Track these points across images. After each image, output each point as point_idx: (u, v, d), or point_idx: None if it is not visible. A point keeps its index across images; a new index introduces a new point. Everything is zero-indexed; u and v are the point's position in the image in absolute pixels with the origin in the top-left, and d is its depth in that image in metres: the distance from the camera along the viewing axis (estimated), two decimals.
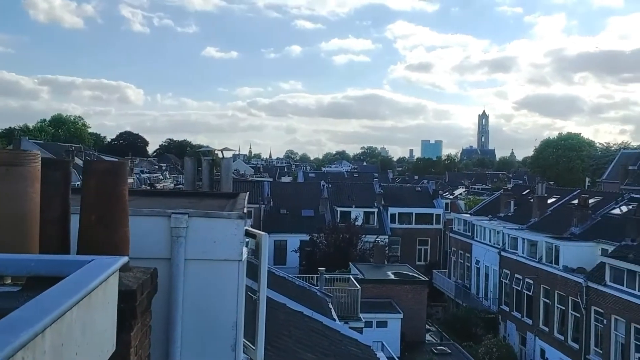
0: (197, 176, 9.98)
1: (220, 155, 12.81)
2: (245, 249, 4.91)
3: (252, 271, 5.61)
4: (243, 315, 5.35)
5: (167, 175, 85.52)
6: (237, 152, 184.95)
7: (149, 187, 53.03)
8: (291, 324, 8.80)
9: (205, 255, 4.55)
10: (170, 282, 4.51)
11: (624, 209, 33.87)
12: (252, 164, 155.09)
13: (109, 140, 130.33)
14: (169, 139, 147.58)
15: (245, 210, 4.85)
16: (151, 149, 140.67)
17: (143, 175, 72.79)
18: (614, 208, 34.99)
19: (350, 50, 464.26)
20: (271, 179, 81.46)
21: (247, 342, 5.98)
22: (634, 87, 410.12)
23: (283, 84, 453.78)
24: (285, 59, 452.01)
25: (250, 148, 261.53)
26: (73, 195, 3.43)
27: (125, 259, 2.68)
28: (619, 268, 27.19)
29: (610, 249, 29.81)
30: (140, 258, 4.08)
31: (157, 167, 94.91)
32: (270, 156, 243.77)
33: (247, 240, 5.86)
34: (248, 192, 6.71)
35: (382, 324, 29.54)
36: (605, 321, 27.84)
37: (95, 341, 2.26)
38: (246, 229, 5.70)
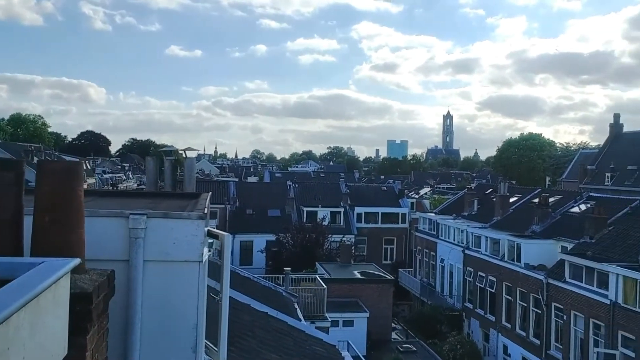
0: (159, 176, 9.85)
1: (183, 155, 12.67)
2: (206, 250, 4.87)
3: (216, 272, 5.56)
4: (204, 316, 5.30)
5: (131, 176, 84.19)
6: (202, 152, 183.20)
7: (111, 188, 52.10)
8: (255, 324, 8.76)
9: (165, 256, 4.49)
10: (128, 284, 4.43)
11: (583, 207, 34.78)
12: (218, 164, 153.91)
13: (70, 139, 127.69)
14: (132, 139, 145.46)
15: (206, 211, 4.79)
16: (114, 148, 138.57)
17: (105, 176, 71.50)
18: (573, 206, 35.90)
19: (316, 50, 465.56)
20: (237, 179, 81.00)
21: (209, 343, 5.92)
22: (592, 88, 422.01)
23: (248, 84, 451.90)
24: (250, 58, 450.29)
25: (215, 148, 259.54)
26: (28, 196, 3.35)
27: (77, 260, 2.63)
28: (578, 265, 27.91)
29: (570, 246, 30.59)
30: (97, 260, 4.00)
31: (120, 167, 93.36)
32: (236, 156, 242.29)
33: (211, 241, 5.81)
34: (210, 193, 6.65)
35: (348, 323, 29.67)
36: (565, 317, 28.54)
37: (45, 345, 2.21)
38: (208, 230, 5.64)
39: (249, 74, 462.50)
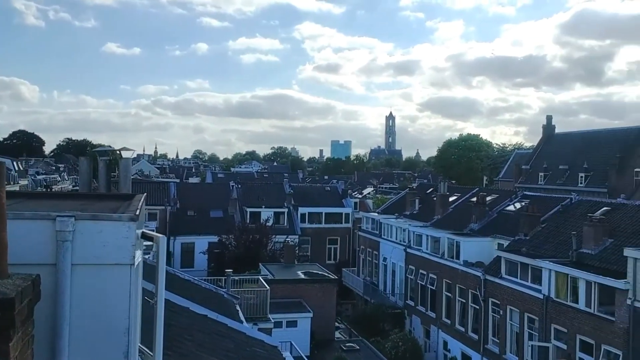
0: (93, 177, 9.53)
1: (119, 155, 12.31)
2: (139, 253, 4.73)
3: (153, 275, 5.42)
4: (137, 320, 5.15)
5: (66, 177, 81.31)
6: (141, 153, 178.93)
7: (44, 189, 50.09)
8: (194, 327, 8.61)
9: (94, 259, 4.33)
10: (55, 288, 4.26)
11: (518, 205, 36.04)
12: (158, 164, 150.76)
13: (1, 139, 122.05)
14: (68, 139, 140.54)
15: (138, 212, 4.66)
16: (48, 149, 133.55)
17: (39, 177, 68.75)
18: (509, 205, 37.15)
19: (258, 49, 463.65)
20: (178, 180, 79.62)
21: (144, 348, 5.77)
22: (526, 91, 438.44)
23: (189, 82, 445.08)
24: (191, 56, 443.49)
25: (155, 148, 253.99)
26: None
27: None
28: (513, 261, 28.90)
29: (506, 243, 31.65)
30: (21, 264, 3.83)
31: (54, 168, 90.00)
32: (177, 156, 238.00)
33: (149, 243, 5.65)
34: (145, 194, 6.47)
35: (292, 324, 29.66)
36: (501, 312, 29.50)
37: None
38: (143, 232, 5.49)
39: (190, 73, 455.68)
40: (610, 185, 52.44)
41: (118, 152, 10.94)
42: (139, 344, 5.56)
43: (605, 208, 28.81)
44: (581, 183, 58.47)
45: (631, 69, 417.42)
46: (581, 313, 24.06)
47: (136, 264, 4.49)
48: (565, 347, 24.92)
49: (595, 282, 23.43)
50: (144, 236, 5.47)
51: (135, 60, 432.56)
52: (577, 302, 24.34)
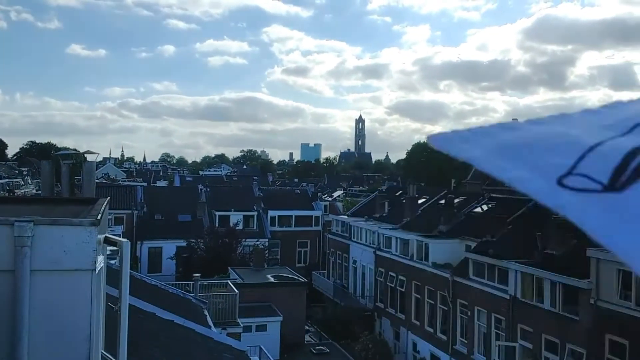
0: (57, 181, 9.33)
1: (84, 159, 12.09)
2: (101, 258, 4.65)
3: (118, 280, 5.33)
4: (100, 326, 5.06)
5: (29, 181, 79.47)
6: (107, 156, 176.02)
7: (6, 194, 48.87)
8: (161, 333, 8.49)
9: (54, 265, 4.24)
10: (14, 295, 4.15)
11: (485, 207, 36.59)
12: (125, 167, 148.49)
13: None
14: (31, 142, 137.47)
15: (100, 217, 4.58)
16: (11, 152, 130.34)
17: (1, 181, 67.13)
18: (476, 207, 37.67)
19: (226, 52, 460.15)
20: (145, 184, 78.55)
21: (107, 354, 5.66)
22: (492, 95, 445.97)
23: (156, 85, 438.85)
24: (158, 58, 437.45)
25: (122, 151, 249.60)
26: None
27: None
28: (481, 262, 29.31)
29: (473, 245, 32.06)
30: None
31: (17, 171, 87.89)
32: (144, 160, 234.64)
33: (113, 248, 5.55)
34: (109, 198, 6.37)
35: (261, 328, 29.52)
36: (469, 313, 29.87)
37: None
38: (106, 236, 5.40)
39: (157, 75, 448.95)
40: None
41: (82, 155, 10.74)
42: (102, 351, 5.46)
43: None
44: None
45: (592, 73, 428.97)
46: (546, 313, 24.52)
47: (98, 269, 4.41)
48: (531, 346, 25.36)
49: (559, 283, 23.92)
50: (108, 241, 5.38)
51: (101, 62, 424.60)
52: (542, 302, 24.81)
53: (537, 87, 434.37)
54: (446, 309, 31.93)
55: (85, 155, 10.71)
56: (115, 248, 5.52)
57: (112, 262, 9.11)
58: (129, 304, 6.06)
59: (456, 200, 39.30)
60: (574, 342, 23.08)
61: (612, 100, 1.23)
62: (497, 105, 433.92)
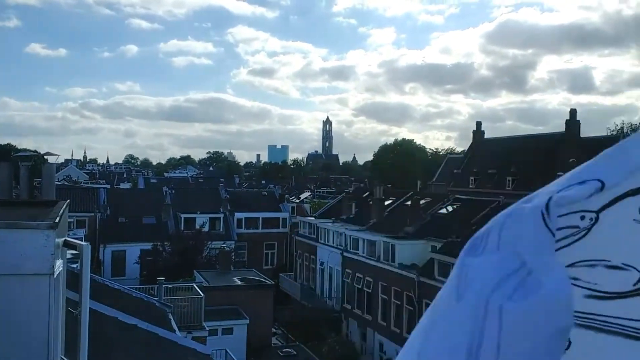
0: (16, 183, 9.09)
1: (45, 160, 11.79)
2: (59, 262, 4.54)
3: (77, 284, 5.22)
4: (60, 331, 4.95)
5: None
6: (69, 158, 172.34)
7: None
8: (123, 338, 8.34)
9: (10, 269, 4.13)
10: None
11: (450, 208, 37.11)
12: (87, 169, 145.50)
13: None
14: None
15: (58, 220, 4.47)
16: None
17: None
18: (442, 208, 38.18)
19: (190, 52, 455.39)
20: (108, 186, 77.14)
21: (67, 359, 5.54)
22: (456, 97, 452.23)
23: (119, 85, 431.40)
24: (120, 58, 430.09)
25: (85, 153, 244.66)
26: None
27: None
28: (446, 263, 29.69)
29: (439, 245, 32.49)
30: None
31: None
32: (107, 161, 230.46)
33: (76, 252, 5.43)
34: (68, 200, 6.23)
35: (227, 331, 29.28)
36: None
37: None
38: (65, 240, 5.28)
39: (120, 75, 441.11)
40: (535, 188, 54.51)
41: (42, 156, 10.49)
42: (62, 356, 5.34)
43: None
44: (509, 186, 60.86)
45: (552, 77, 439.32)
46: None
47: (56, 273, 4.30)
48: None
49: None
50: (67, 245, 5.26)
51: (61, 62, 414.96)
52: None
53: (499, 90, 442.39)
54: (412, 309, 32.24)
55: (45, 156, 10.46)
56: (76, 252, 5.41)
57: (74, 265, 8.92)
58: (90, 308, 5.94)
59: (422, 202, 39.75)
60: None
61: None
62: (461, 108, 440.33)
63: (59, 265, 4.42)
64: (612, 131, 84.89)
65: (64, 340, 5.56)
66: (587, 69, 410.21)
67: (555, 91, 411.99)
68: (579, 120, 60.32)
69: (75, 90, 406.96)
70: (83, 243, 5.18)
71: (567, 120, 60.72)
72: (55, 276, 4.29)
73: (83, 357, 5.21)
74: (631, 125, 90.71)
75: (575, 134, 59.57)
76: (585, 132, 63.90)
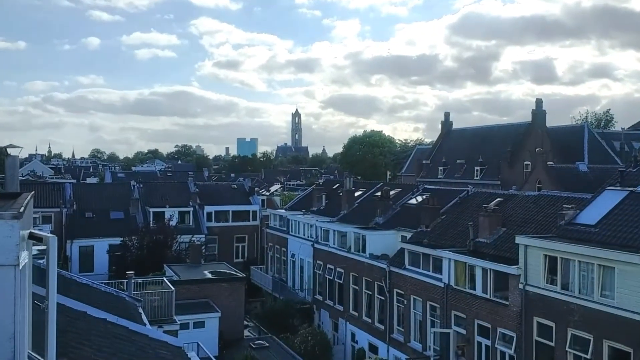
0: None
1: (7, 154, 11.47)
2: (25, 254, 4.42)
3: (44, 279, 5.09)
4: (26, 325, 4.82)
5: None
6: (33, 153, 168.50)
7: None
8: (92, 332, 8.20)
9: None
10: None
11: (419, 199, 37.43)
12: (52, 164, 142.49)
13: None
14: None
15: (23, 210, 4.35)
16: None
17: None
18: (411, 198, 38.50)
19: (154, 44, 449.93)
20: (74, 180, 75.73)
21: (34, 354, 5.41)
22: (422, 89, 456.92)
23: (82, 79, 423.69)
24: (82, 51, 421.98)
25: (49, 147, 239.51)
26: None
27: None
28: (416, 252, 30.00)
29: (409, 235, 32.79)
30: None
31: None
32: (73, 156, 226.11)
33: (43, 247, 5.28)
34: (33, 192, 6.07)
35: (199, 325, 29.10)
36: (405, 301, 30.53)
37: None
38: (31, 232, 5.14)
39: (82, 69, 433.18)
40: (503, 178, 55.84)
41: (4, 149, 10.20)
42: (29, 351, 5.21)
43: (498, 199, 30.58)
44: (477, 176, 61.77)
45: (515, 68, 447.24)
46: (478, 299, 25.40)
47: (21, 265, 4.18)
48: (464, 332, 26.20)
49: (490, 269, 24.80)
50: (32, 237, 5.13)
51: (21, 55, 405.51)
52: (474, 289, 25.66)
53: (464, 81, 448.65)
54: (383, 299, 32.51)
55: (7, 149, 10.17)
56: (42, 247, 5.28)
57: (41, 261, 8.72)
58: (58, 302, 5.81)
59: (392, 193, 40.01)
60: (505, 326, 24.02)
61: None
62: (428, 99, 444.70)
63: (24, 257, 4.30)
64: (577, 120, 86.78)
65: (31, 334, 5.43)
66: (549, 60, 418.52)
67: (519, 82, 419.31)
68: (544, 110, 61.46)
69: (36, 83, 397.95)
70: (49, 235, 5.05)
71: (533, 110, 61.79)
72: (20, 267, 4.17)
73: (51, 351, 5.10)
74: (595, 114, 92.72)
75: (541, 124, 60.70)
76: (550, 122, 65.29)
